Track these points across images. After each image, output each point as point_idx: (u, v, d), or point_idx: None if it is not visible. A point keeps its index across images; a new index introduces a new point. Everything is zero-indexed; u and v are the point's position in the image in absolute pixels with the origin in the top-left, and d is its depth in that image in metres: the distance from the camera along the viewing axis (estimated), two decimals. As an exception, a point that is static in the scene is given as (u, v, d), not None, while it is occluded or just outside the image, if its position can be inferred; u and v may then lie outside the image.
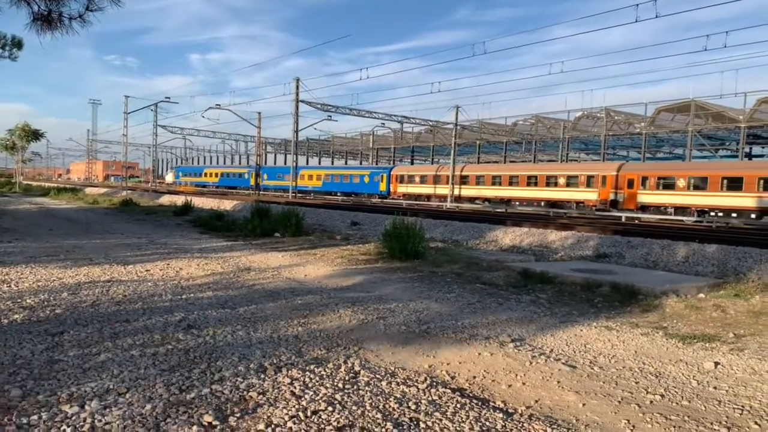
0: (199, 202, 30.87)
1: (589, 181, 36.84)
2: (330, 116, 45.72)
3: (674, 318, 6.80)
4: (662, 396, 4.15)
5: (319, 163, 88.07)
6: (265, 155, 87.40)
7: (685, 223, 27.06)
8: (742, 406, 3.99)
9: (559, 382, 4.40)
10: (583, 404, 3.95)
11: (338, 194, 53.72)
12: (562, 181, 38.49)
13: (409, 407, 3.75)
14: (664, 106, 44.84)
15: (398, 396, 3.95)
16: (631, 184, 34.32)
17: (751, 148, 48.56)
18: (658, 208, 32.61)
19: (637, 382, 4.44)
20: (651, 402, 4.03)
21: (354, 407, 3.70)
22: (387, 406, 3.75)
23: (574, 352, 5.25)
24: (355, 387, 4.08)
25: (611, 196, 35.22)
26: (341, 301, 7.06)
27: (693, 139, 43.69)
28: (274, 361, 4.57)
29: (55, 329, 5.33)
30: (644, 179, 33.86)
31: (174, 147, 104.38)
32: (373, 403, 3.78)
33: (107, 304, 6.50)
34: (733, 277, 10.07)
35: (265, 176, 64.01)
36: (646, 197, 33.52)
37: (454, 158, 46.06)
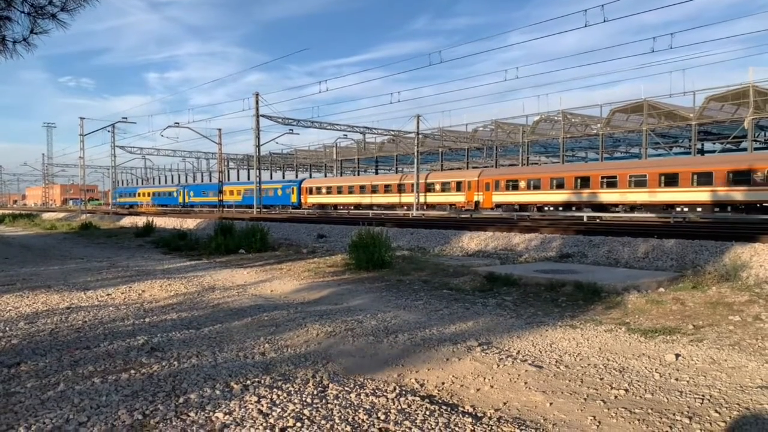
0: (161, 222, 30.31)
1: (459, 186, 43.28)
2: (291, 130, 45.57)
3: (636, 313, 6.96)
4: (626, 390, 4.24)
5: (283, 177, 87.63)
6: (228, 171, 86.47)
7: (645, 220, 27.77)
8: (703, 396, 4.10)
9: (526, 383, 4.45)
10: (550, 403, 4.00)
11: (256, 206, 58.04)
12: (438, 187, 44.85)
13: (378, 417, 3.73)
14: (619, 107, 46.10)
15: (367, 407, 3.93)
16: (488, 187, 40.57)
17: (702, 145, 50.26)
18: (509, 206, 38.56)
19: (601, 378, 4.52)
20: (615, 397, 4.11)
21: (323, 421, 3.66)
22: (356, 417, 3.73)
23: (540, 352, 5.32)
24: (324, 401, 4.05)
25: (475, 198, 41.38)
26: (308, 315, 7.01)
27: (648, 138, 45.00)
28: (241, 380, 4.50)
29: (11, 360, 5.14)
30: (497, 183, 40.13)
31: (134, 168, 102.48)
32: (342, 416, 3.75)
33: (66, 332, 6.30)
34: (691, 270, 10.36)
35: (191, 193, 71.13)
36: (499, 197, 39.87)
37: (418, 167, 46.41)
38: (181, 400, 4.07)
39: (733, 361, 4.92)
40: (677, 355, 5.08)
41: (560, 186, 36.40)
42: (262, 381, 4.49)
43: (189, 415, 3.77)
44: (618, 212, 31.98)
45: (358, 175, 71.22)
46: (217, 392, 4.22)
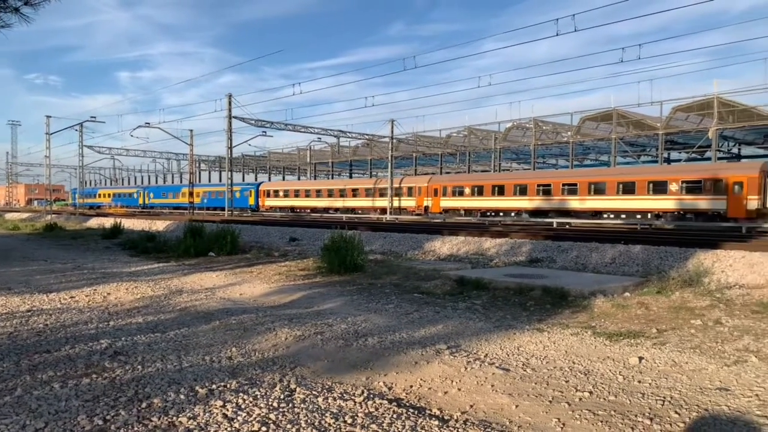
0: (129, 223, 29.75)
1: (410, 192, 44.89)
2: (265, 132, 45.21)
3: (602, 317, 7.07)
4: (590, 393, 4.30)
5: (255, 179, 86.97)
6: (199, 173, 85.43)
7: (613, 226, 28.32)
8: (664, 397, 4.19)
9: (493, 385, 4.48)
10: (516, 406, 4.04)
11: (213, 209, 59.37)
12: (403, 192, 46.13)
13: (345, 421, 3.71)
14: (589, 116, 46.92)
15: (334, 411, 3.91)
16: (436, 192, 42.38)
17: (669, 154, 51.42)
18: (455, 211, 40.19)
19: (567, 381, 4.58)
20: (580, 399, 4.17)
21: (289, 425, 3.63)
22: (323, 422, 3.71)
23: (508, 355, 5.36)
24: (291, 405, 4.01)
25: (425, 203, 43.18)
26: (278, 319, 6.95)
27: (617, 146, 45.88)
28: (206, 384, 4.43)
29: (-33, 365, 4.98)
30: (444, 189, 41.81)
31: (102, 168, 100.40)
32: (309, 420, 3.72)
33: (26, 335, 6.13)
34: (656, 275, 10.58)
35: (151, 195, 71.90)
36: (446, 203, 41.46)
37: (392, 172, 46.50)
38: (143, 404, 4.00)
39: (693, 364, 5.04)
40: (641, 358, 5.18)
41: (501, 193, 38.24)
42: (228, 385, 4.43)
43: (151, 420, 3.70)
44: (552, 218, 33.38)
45: (332, 178, 71.03)
46: (182, 397, 4.15)
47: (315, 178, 72.26)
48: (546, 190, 35.63)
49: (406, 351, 5.51)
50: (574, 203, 33.93)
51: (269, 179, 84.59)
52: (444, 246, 16.75)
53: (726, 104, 38.95)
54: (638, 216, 31.12)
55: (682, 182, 30.31)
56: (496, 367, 4.94)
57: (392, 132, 47.36)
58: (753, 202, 27.74)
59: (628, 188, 32.05)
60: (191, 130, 51.67)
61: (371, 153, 64.77)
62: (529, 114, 52.03)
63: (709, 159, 42.59)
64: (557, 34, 21.94)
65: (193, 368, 4.89)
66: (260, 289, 9.55)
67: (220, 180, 77.62)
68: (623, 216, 31.73)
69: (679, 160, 49.64)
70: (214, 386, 4.39)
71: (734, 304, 7.78)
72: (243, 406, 3.97)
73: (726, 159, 49.24)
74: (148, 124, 46.73)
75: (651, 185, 31.30)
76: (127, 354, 5.35)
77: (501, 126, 55.12)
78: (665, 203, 30.63)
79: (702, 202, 29.38)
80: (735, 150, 50.64)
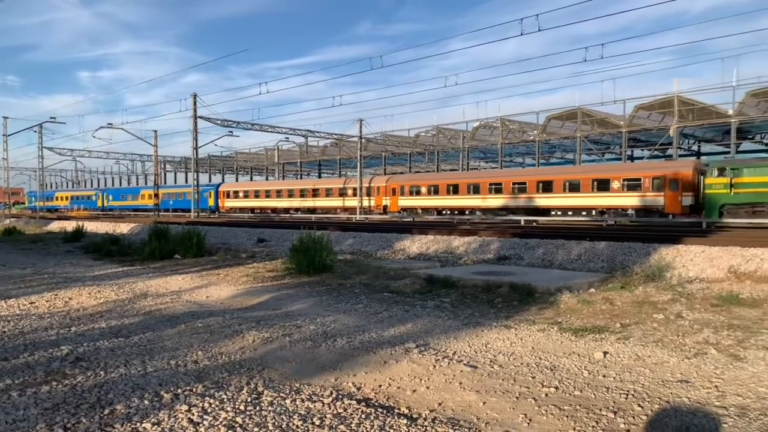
0: (92, 226, 29.08)
1: (369, 191, 45.43)
2: (231, 132, 44.64)
3: (568, 313, 7.19)
4: (556, 388, 4.36)
5: (222, 180, 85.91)
6: (165, 174, 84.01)
7: (580, 223, 28.87)
8: (628, 391, 4.27)
9: (461, 383, 4.51)
10: (484, 403, 4.07)
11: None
12: (350, 192, 47.24)
13: (313, 423, 3.69)
14: (554, 114, 47.66)
15: (302, 413, 3.88)
16: (394, 192, 43.21)
17: (632, 151, 52.62)
18: (412, 210, 41.20)
19: (533, 377, 4.63)
20: (546, 395, 4.22)
21: (256, 429, 3.59)
22: (290, 424, 3.67)
23: (476, 352, 5.41)
24: (258, 408, 3.97)
25: (384, 202, 44.00)
26: (245, 321, 6.87)
27: (582, 145, 46.73)
28: (171, 389, 4.35)
29: None
30: (402, 188, 42.67)
31: (64, 170, 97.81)
32: (276, 423, 3.69)
33: (-17, 343, 5.92)
34: (620, 271, 10.81)
35: (110, 197, 71.25)
36: (404, 202, 42.34)
37: (361, 171, 46.46)
38: (106, 411, 3.90)
39: (656, 357, 5.15)
40: (605, 353, 5.27)
41: (456, 192, 39.21)
42: (194, 389, 4.36)
43: (114, 427, 3.62)
44: (505, 215, 34.90)
45: (301, 178, 70.66)
46: (146, 402, 4.06)
47: (283, 178, 71.76)
48: (498, 189, 36.84)
49: (376, 350, 5.51)
50: (524, 201, 35.07)
51: (236, 180, 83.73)
52: (413, 245, 16.80)
53: (686, 103, 40.02)
54: (583, 213, 32.28)
55: (624, 180, 31.56)
56: (464, 365, 4.97)
57: (360, 131, 47.34)
58: (687, 199, 29.14)
59: (574, 186, 33.29)
60: (155, 131, 50.59)
61: (340, 153, 64.60)
62: (495, 113, 52.36)
63: (670, 156, 43.71)
64: (521, 34, 22.22)
65: (158, 373, 4.80)
66: (227, 291, 9.43)
67: (186, 181, 76.48)
68: (570, 213, 32.86)
69: (642, 158, 50.83)
70: (179, 391, 4.31)
71: (695, 298, 7.99)
72: (209, 410, 3.91)
73: (687, 156, 50.62)
74: (111, 124, 45.67)
75: (595, 183, 32.53)
76: (89, 360, 5.21)
77: (469, 125, 55.57)
78: (608, 200, 31.88)
79: (641, 199, 30.69)
80: (695, 147, 52.10)
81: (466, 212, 37.71)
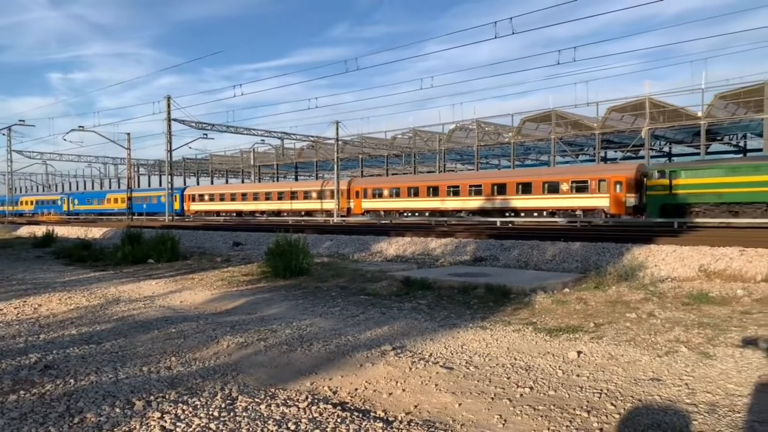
0: (63, 231, 28.52)
1: (333, 194, 45.90)
2: (206, 134, 44.18)
3: (543, 313, 7.25)
4: (531, 388, 4.39)
5: (197, 183, 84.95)
6: (138, 177, 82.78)
7: (555, 224, 29.23)
8: (601, 390, 4.32)
9: (437, 385, 4.51)
10: (459, 404, 4.08)
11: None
12: (314, 195, 48.10)
13: (288, 428, 3.65)
14: (529, 117, 48.22)
15: (277, 418, 3.84)
16: (357, 194, 44.71)
17: (605, 153, 53.46)
18: (375, 212, 42.67)
19: (508, 378, 4.66)
20: (521, 395, 4.25)
21: (230, 435, 3.54)
22: (265, 429, 3.64)
23: (452, 354, 5.42)
24: (232, 414, 3.92)
25: (348, 204, 45.23)
26: (219, 326, 6.79)
27: (556, 146, 47.31)
28: (144, 396, 4.27)
29: None
30: (365, 191, 44.30)
31: (34, 173, 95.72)
32: (251, 428, 3.64)
33: (-53, 353, 5.75)
34: (594, 270, 10.94)
35: (76, 201, 71.08)
36: (367, 204, 43.79)
37: (338, 174, 46.38)
38: (75, 420, 3.81)
39: (629, 356, 5.23)
40: (579, 352, 5.33)
41: (416, 194, 40.79)
42: (167, 396, 4.29)
43: (84, 437, 3.54)
44: (463, 216, 36.56)
45: (277, 181, 70.25)
46: (117, 410, 3.99)
47: (260, 181, 71.32)
48: (455, 192, 38.45)
49: (352, 354, 5.49)
50: (480, 203, 36.82)
51: (212, 182, 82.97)
52: (391, 247, 16.81)
53: (657, 105, 40.82)
54: (535, 214, 33.60)
55: (572, 182, 33.07)
56: (441, 366, 4.98)
57: (337, 133, 47.25)
58: (631, 200, 30.58)
59: (527, 189, 34.76)
60: (129, 134, 49.72)
61: (317, 155, 64.41)
62: (471, 115, 53.09)
63: (642, 158, 44.53)
64: (496, 37, 22.40)
65: (130, 380, 4.71)
66: (202, 296, 9.32)
67: (160, 184, 75.67)
68: (522, 214, 34.24)
69: (615, 159, 51.64)
70: (151, 397, 4.24)
71: (666, 297, 8.14)
72: (182, 417, 3.85)
73: (659, 157, 51.59)
74: (82, 127, 44.79)
75: (546, 186, 34.01)
76: (58, 368, 5.10)
77: (445, 127, 55.93)
78: (558, 202, 33.35)
79: (588, 200, 32.22)
80: (667, 149, 53.14)
81: (426, 214, 39.15)
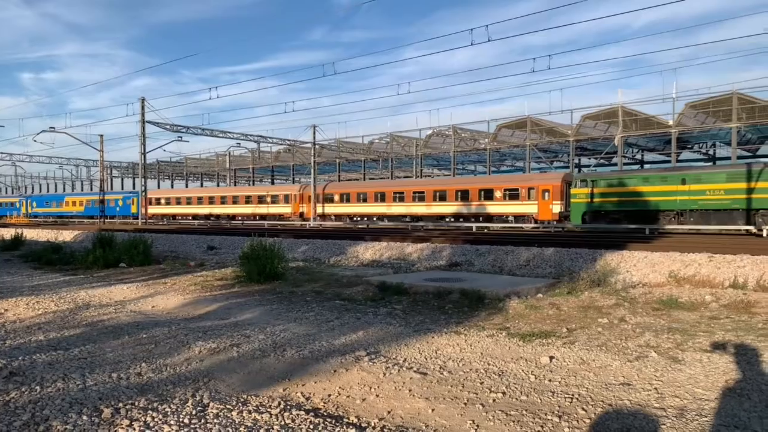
0: (33, 234, 27.90)
1: (287, 198, 47.71)
2: (180, 137, 43.61)
3: (516, 318, 7.31)
4: (504, 393, 4.42)
5: (172, 186, 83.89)
6: (111, 180, 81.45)
7: (530, 230, 29.59)
8: (572, 395, 4.37)
9: (410, 390, 4.51)
10: (433, 410, 4.08)
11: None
12: (269, 199, 49.03)
13: (260, 435, 3.62)
14: (504, 123, 48.63)
15: (249, 425, 3.80)
16: (309, 200, 45.38)
17: (579, 159, 54.18)
18: (327, 217, 43.82)
19: (482, 383, 4.69)
20: (494, 400, 4.27)
21: (200, 443, 3.49)
22: (236, 436, 3.59)
23: (426, 359, 5.43)
24: (203, 421, 3.86)
25: (300, 209, 46.51)
26: (192, 332, 6.69)
27: (531, 153, 47.83)
28: (112, 403, 4.19)
29: None
30: (317, 196, 44.90)
31: (2, 175, 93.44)
32: (222, 436, 3.60)
33: None
34: (567, 276, 11.08)
35: (34, 204, 70.24)
36: (319, 209, 44.74)
37: (315, 177, 46.25)
38: (41, 428, 3.72)
39: (600, 361, 5.30)
40: (551, 357, 5.38)
41: (365, 200, 42.48)
42: (137, 403, 4.21)
43: (49, 446, 3.45)
44: (406, 221, 38.40)
45: (253, 184, 69.73)
46: (84, 418, 3.90)
47: (235, 184, 70.77)
48: (401, 197, 40.23)
49: (326, 359, 5.46)
50: (423, 209, 38.80)
51: (186, 186, 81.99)
52: (367, 251, 16.79)
53: (629, 113, 41.54)
54: (472, 219, 35.18)
55: (504, 190, 34.98)
56: (414, 372, 4.98)
57: (314, 137, 47.13)
58: (557, 207, 32.26)
59: (464, 195, 36.71)
60: (101, 135, 48.83)
61: (294, 158, 64.07)
62: (448, 121, 53.25)
63: (615, 165, 45.23)
64: (472, 44, 22.57)
65: (99, 387, 4.62)
66: (174, 301, 9.18)
67: (134, 187, 74.67)
68: (461, 220, 36.03)
69: (588, 166, 52.35)
70: (120, 405, 4.16)
71: (637, 302, 8.27)
72: (152, 425, 3.78)
73: (632, 164, 52.47)
74: (53, 128, 43.82)
75: (482, 193, 35.83)
76: (24, 374, 4.97)
77: (422, 133, 56.08)
78: (492, 208, 35.19)
79: (519, 207, 34.15)
80: (639, 156, 54.09)
81: (374, 218, 40.64)
